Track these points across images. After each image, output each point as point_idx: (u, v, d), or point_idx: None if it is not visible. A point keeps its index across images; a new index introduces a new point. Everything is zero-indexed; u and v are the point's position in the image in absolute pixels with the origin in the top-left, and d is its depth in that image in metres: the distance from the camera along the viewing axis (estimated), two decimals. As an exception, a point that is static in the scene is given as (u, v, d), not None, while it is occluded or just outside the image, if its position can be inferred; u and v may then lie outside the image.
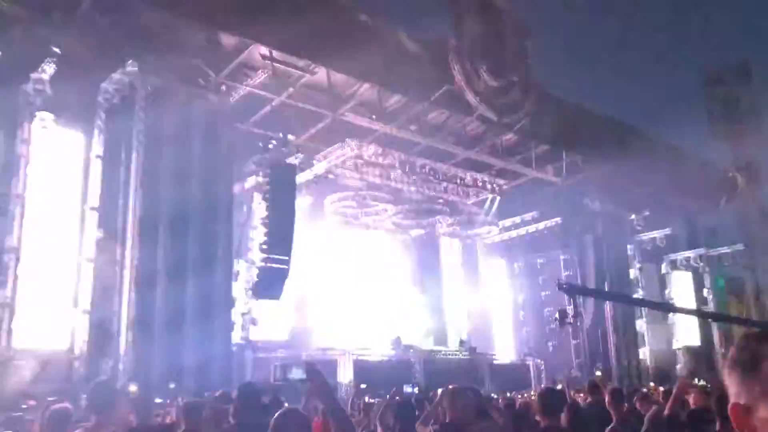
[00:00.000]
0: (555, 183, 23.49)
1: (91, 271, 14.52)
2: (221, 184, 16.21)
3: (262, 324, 17.52)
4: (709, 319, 28.11)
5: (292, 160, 18.50)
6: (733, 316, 27.14)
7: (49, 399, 6.65)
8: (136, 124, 14.95)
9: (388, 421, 5.11)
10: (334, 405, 3.29)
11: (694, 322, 27.08)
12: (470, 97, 18.94)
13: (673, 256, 28.70)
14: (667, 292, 28.35)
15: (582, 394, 9.12)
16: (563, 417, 5.05)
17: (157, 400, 10.88)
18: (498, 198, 24.11)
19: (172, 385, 12.87)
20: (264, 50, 16.17)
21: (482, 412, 4.91)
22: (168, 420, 7.51)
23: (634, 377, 24.50)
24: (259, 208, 17.78)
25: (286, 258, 17.20)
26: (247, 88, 17.02)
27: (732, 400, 1.39)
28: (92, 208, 14.93)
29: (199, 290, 15.02)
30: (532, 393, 16.32)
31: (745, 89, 31.04)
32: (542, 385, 21.25)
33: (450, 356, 22.83)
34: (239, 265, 17.52)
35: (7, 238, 13.55)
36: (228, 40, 16.07)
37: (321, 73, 17.33)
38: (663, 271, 28.59)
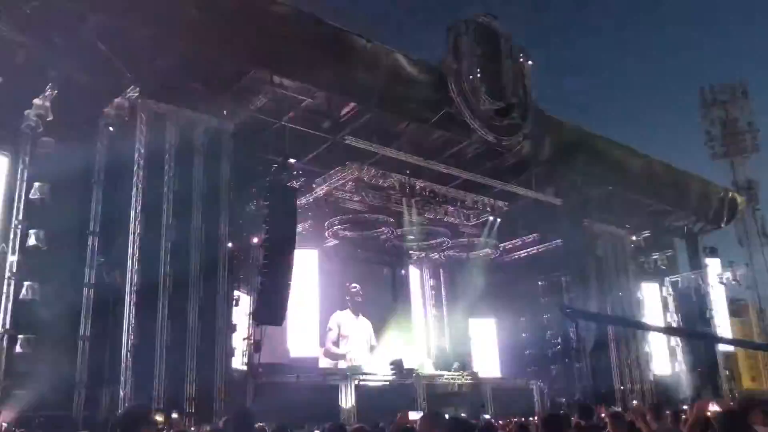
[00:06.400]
0: (555, 204, 23.48)
1: (92, 297, 14.43)
2: (222, 208, 16.18)
3: (263, 349, 17.38)
4: (712, 342, 27.92)
5: (293, 183, 18.51)
6: (735, 339, 27.10)
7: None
8: (137, 148, 14.96)
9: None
10: None
11: (697, 343, 26.91)
12: (469, 120, 19.02)
13: (674, 278, 28.59)
14: (669, 313, 28.21)
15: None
16: None
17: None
18: (498, 220, 24.06)
19: (175, 415, 12.74)
20: (264, 74, 16.26)
21: None
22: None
23: (639, 400, 24.26)
24: (259, 232, 17.71)
25: (287, 282, 17.12)
26: (248, 113, 17.07)
27: None
28: (92, 233, 14.89)
29: (200, 316, 14.93)
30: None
31: (743, 109, 31.24)
32: (546, 409, 21.10)
33: (452, 380, 22.63)
34: (240, 290, 17.43)
35: (7, 264, 13.51)
36: (229, 64, 16.17)
37: (321, 97, 17.41)
38: (665, 292, 28.45)
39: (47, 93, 13.94)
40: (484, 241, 25.52)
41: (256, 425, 7.85)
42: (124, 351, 13.74)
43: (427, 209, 22.79)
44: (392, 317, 25.61)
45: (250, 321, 17.30)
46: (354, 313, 24.50)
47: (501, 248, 26.88)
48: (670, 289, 28.42)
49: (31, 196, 13.96)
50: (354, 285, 24.79)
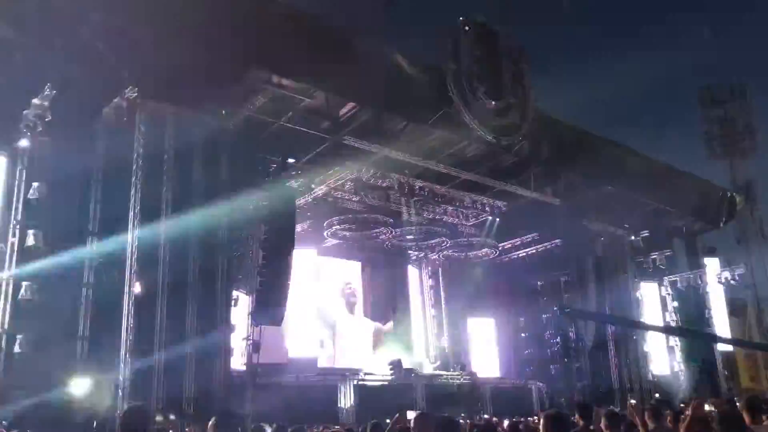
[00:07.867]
0: (554, 204, 23.49)
1: (91, 297, 14.42)
2: (221, 207, 16.16)
3: (262, 349, 17.38)
4: (711, 341, 27.96)
5: (292, 183, 18.48)
6: (734, 338, 27.12)
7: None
8: (136, 148, 14.93)
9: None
10: None
11: (696, 343, 26.92)
12: (468, 120, 19.00)
13: (673, 277, 28.61)
14: (667, 313, 28.21)
15: None
16: None
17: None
18: (497, 220, 24.08)
19: (171, 416, 12.74)
20: (264, 74, 16.25)
21: None
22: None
23: (638, 400, 24.27)
24: (258, 232, 17.71)
25: (286, 282, 17.13)
26: (247, 113, 17.06)
27: None
28: (92, 233, 14.87)
29: (199, 316, 14.93)
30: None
31: (742, 109, 31.28)
32: (545, 409, 21.10)
33: (451, 380, 22.65)
34: (239, 290, 17.42)
35: (5, 265, 13.49)
36: (229, 64, 16.13)
37: (320, 97, 17.40)
38: (664, 292, 28.45)
39: (46, 93, 13.92)
40: (483, 241, 25.54)
41: (261, 424, 7.92)
42: (123, 351, 13.73)
43: (427, 209, 22.81)
44: (392, 317, 25.63)
45: (249, 321, 17.29)
46: (350, 313, 24.52)
47: (500, 248, 26.89)
48: (669, 289, 28.39)
49: (30, 196, 13.93)
50: (349, 285, 24.81)
